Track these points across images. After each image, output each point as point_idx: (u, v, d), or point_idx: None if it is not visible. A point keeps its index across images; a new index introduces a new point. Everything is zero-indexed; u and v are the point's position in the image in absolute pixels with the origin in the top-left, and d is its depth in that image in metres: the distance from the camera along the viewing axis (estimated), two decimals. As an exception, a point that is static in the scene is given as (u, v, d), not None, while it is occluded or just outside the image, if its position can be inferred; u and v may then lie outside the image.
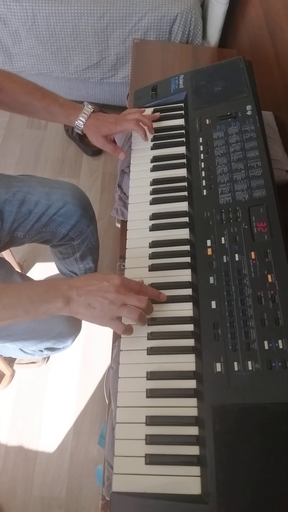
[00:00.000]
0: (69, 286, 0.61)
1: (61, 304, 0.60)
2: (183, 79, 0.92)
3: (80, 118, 0.82)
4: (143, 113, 0.87)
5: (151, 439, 0.54)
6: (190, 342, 0.60)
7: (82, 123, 0.82)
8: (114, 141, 0.91)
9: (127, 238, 0.75)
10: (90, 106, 0.84)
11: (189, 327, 0.61)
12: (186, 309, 0.63)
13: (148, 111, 0.92)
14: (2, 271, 0.90)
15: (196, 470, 0.51)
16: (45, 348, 0.95)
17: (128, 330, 0.61)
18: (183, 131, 0.86)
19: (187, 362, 0.59)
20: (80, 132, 0.85)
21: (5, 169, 1.75)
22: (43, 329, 0.88)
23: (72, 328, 0.92)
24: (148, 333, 0.62)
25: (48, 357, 1.35)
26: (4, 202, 0.92)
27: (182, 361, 0.59)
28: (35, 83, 0.84)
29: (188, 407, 0.55)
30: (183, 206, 0.75)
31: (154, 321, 0.63)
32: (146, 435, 0.54)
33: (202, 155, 0.79)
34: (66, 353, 1.37)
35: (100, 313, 0.59)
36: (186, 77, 0.92)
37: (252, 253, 0.63)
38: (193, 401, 0.56)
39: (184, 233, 0.72)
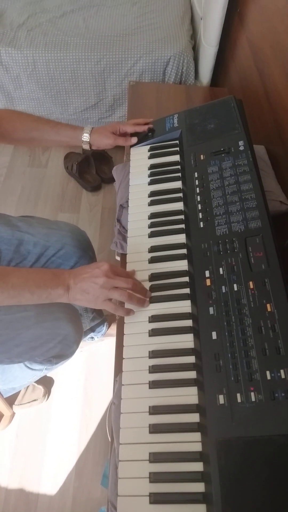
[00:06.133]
0: (69, 275, 0.68)
1: (62, 291, 0.67)
2: (177, 118, 0.96)
3: (85, 132, 0.92)
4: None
5: (155, 477, 0.53)
6: (192, 374, 0.60)
7: (89, 130, 0.92)
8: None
9: (126, 271, 0.76)
10: (90, 126, 0.94)
11: (191, 359, 0.61)
12: (187, 341, 0.63)
13: (145, 149, 0.96)
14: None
15: (202, 508, 0.49)
16: (53, 357, 0.94)
17: (120, 309, 0.68)
18: (179, 166, 0.89)
19: (190, 395, 0.58)
20: (87, 140, 0.92)
21: (6, 207, 1.80)
22: (49, 334, 0.88)
23: (77, 332, 0.92)
24: (149, 366, 0.62)
25: (49, 394, 1.33)
26: (2, 240, 0.94)
27: (185, 394, 0.58)
28: None
29: (192, 442, 0.54)
30: (181, 238, 0.77)
31: (155, 354, 0.63)
32: (150, 473, 0.53)
33: (198, 189, 0.81)
34: (68, 388, 1.35)
35: (93, 297, 0.67)
36: (181, 116, 0.96)
37: (250, 283, 0.64)
38: (197, 436, 0.55)
39: (182, 265, 0.73)
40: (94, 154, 1.91)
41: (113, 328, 1.40)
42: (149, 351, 0.64)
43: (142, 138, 0.98)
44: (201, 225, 0.76)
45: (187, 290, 0.69)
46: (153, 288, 0.71)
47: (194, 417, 0.56)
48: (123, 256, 0.87)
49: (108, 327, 1.37)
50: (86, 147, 0.94)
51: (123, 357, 0.65)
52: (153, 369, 0.61)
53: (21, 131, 0.91)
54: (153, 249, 0.77)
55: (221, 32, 1.45)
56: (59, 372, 1.38)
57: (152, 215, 0.83)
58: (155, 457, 0.54)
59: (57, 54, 1.58)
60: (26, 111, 1.74)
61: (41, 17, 1.72)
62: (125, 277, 0.68)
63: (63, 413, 1.31)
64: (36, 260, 0.97)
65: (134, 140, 0.96)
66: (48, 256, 0.98)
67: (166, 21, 1.69)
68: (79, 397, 1.34)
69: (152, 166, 0.92)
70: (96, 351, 1.43)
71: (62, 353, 0.93)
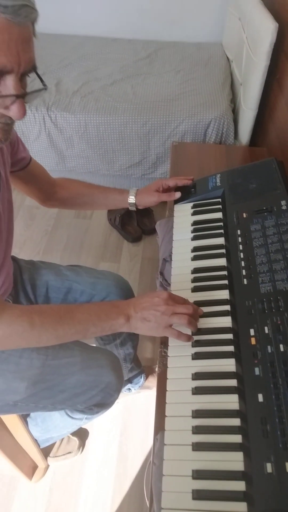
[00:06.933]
0: (128, 304, 0.72)
1: (123, 320, 0.70)
2: (219, 178, 1.01)
3: (131, 192, 1.00)
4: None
5: None
6: (237, 438, 0.58)
7: (134, 192, 1.00)
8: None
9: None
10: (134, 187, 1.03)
11: (236, 422, 0.59)
12: (231, 401, 0.62)
13: (188, 206, 1.00)
14: None
15: None
16: (94, 405, 0.93)
17: (183, 335, 0.70)
18: (221, 223, 0.91)
19: (235, 461, 0.56)
20: (133, 201, 1.00)
21: (52, 255, 1.89)
22: (92, 381, 0.88)
23: (119, 380, 0.92)
24: (193, 426, 0.61)
25: (83, 446, 1.30)
26: (52, 288, 0.99)
27: (230, 459, 0.56)
28: None
29: (238, 513, 0.52)
30: (224, 294, 0.78)
31: (199, 413, 0.62)
32: None
33: (241, 246, 0.83)
34: (103, 442, 1.32)
35: (154, 324, 0.69)
36: (223, 176, 1.01)
37: (297, 344, 0.63)
38: (242, 506, 0.52)
39: (226, 321, 0.73)
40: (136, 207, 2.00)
41: (150, 381, 1.38)
42: (192, 410, 0.63)
43: (185, 195, 1.03)
44: (245, 282, 0.76)
45: (231, 348, 0.68)
46: (196, 343, 0.71)
47: (240, 486, 0.54)
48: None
49: (146, 379, 1.36)
50: (133, 208, 1.01)
51: (166, 414, 0.64)
52: (197, 430, 0.60)
53: (75, 198, 1.00)
54: (196, 304, 0.78)
55: (261, 97, 1.54)
56: (94, 424, 1.36)
57: (195, 270, 0.85)
58: (198, 527, 0.52)
59: (107, 117, 1.72)
60: (76, 168, 1.89)
61: (93, 85, 1.90)
62: (184, 304, 0.71)
63: (97, 468, 1.27)
64: None
65: (178, 194, 1.01)
66: None
67: (207, 87, 1.82)
68: (113, 452, 1.30)
69: (195, 223, 0.95)
70: (132, 404, 1.41)
71: (103, 401, 0.93)
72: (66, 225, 2.04)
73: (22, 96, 0.55)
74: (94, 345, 1.28)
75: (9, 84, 0.53)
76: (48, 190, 0.98)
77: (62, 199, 1.00)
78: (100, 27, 2.35)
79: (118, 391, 0.93)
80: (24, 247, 1.94)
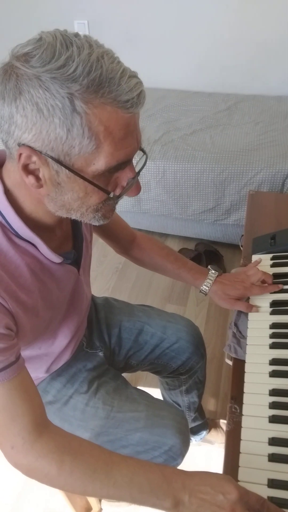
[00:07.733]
0: (183, 485, 0.55)
1: (169, 505, 0.54)
2: (303, 231, 0.98)
3: (206, 283, 0.90)
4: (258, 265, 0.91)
5: None
6: None
7: (207, 288, 0.90)
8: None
9: (245, 381, 0.74)
10: (213, 271, 0.91)
11: None
12: (314, 476, 0.57)
13: (267, 257, 0.99)
14: (118, 381, 0.93)
15: None
16: None
17: None
18: (304, 278, 0.88)
19: None
20: (206, 291, 0.91)
21: (121, 292, 1.94)
22: (155, 441, 0.83)
23: (184, 444, 0.86)
24: (268, 496, 0.57)
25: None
26: (125, 329, 1.01)
27: None
28: (169, 247, 0.99)
29: None
30: (306, 354, 0.74)
31: (276, 484, 0.58)
32: None
33: None
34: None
35: None
36: (306, 229, 0.98)
37: None
38: None
39: (308, 385, 0.69)
40: (206, 251, 2.00)
41: (213, 435, 1.31)
42: (268, 479, 0.59)
43: (264, 246, 1.02)
44: None
45: (314, 415, 0.64)
46: (274, 405, 0.68)
47: None
48: (236, 360, 0.85)
49: (208, 432, 1.30)
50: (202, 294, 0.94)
51: (239, 479, 0.60)
52: (273, 502, 0.56)
53: (147, 263, 0.99)
54: (274, 361, 0.75)
55: None
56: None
57: (274, 325, 0.82)
58: None
59: (185, 165, 1.79)
60: (150, 211, 1.96)
61: (174, 134, 2.00)
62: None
63: (150, 522, 1.21)
64: (151, 351, 1.01)
65: (256, 310, 0.85)
66: (162, 348, 1.01)
67: (287, 138, 1.82)
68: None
69: (274, 276, 0.92)
70: (191, 456, 1.33)
71: (166, 464, 0.89)
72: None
73: (137, 175, 0.56)
74: (159, 389, 1.27)
75: (128, 169, 0.54)
76: (125, 246, 0.97)
77: (136, 258, 0.99)
78: (183, 82, 2.51)
79: (182, 456, 0.88)
80: (95, 282, 2.02)
